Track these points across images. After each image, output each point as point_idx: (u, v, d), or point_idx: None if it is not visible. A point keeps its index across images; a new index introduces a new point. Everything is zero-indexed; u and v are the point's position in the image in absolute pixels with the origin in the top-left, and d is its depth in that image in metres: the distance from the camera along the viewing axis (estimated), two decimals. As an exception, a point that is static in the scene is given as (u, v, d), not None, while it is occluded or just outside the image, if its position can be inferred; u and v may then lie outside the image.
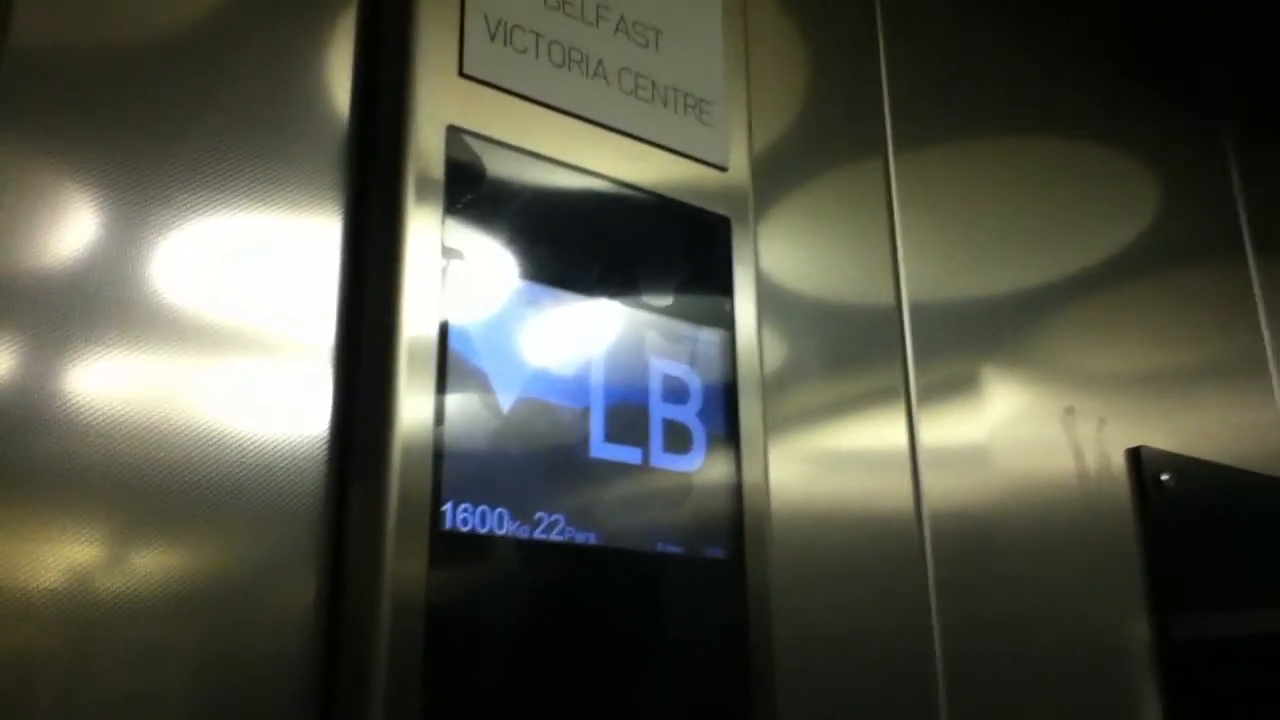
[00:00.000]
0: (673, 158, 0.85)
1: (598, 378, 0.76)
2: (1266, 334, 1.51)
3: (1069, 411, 1.21)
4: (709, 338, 0.83)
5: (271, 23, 0.72)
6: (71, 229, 0.62)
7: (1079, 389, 1.23)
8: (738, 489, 0.81)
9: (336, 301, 0.70)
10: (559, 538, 0.71)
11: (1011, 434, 1.15)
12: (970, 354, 1.14)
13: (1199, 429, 1.35)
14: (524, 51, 0.78)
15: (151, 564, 0.60)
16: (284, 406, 0.67)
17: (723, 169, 0.88)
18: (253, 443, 0.65)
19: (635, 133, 0.83)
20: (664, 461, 0.78)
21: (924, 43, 1.21)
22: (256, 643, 0.62)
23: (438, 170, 0.71)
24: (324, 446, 0.68)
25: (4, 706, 0.55)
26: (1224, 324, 1.47)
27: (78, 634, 0.57)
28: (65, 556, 0.58)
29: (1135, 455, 1.24)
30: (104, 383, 0.61)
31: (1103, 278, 1.33)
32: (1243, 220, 1.56)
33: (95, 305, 0.61)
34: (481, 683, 0.66)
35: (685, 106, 0.87)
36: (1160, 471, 1.25)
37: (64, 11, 0.64)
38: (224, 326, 0.66)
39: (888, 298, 1.08)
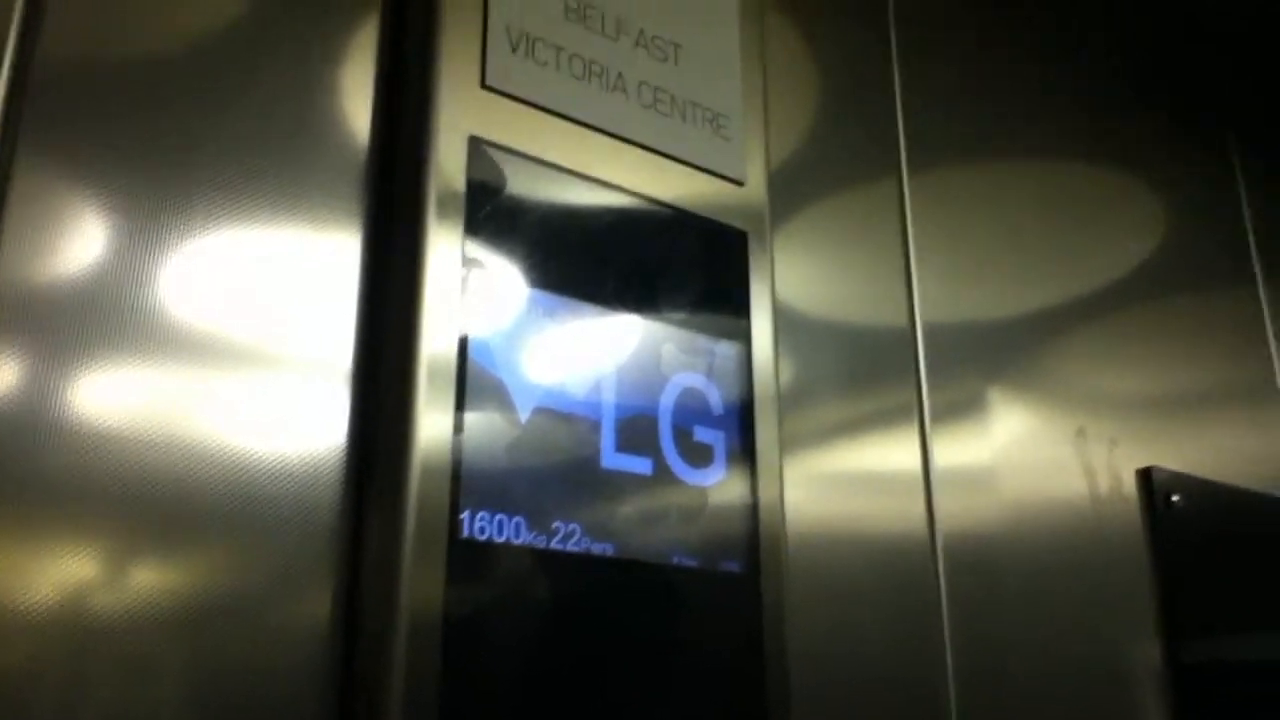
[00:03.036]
0: (690, 171, 0.85)
1: (612, 389, 0.76)
2: (1276, 356, 1.51)
3: (1080, 432, 1.21)
4: (726, 350, 0.83)
5: (294, 35, 0.72)
6: (91, 240, 0.62)
7: (1091, 410, 1.23)
8: (753, 503, 0.81)
9: (356, 310, 0.70)
10: (575, 548, 0.71)
11: (1024, 454, 1.14)
12: (983, 375, 1.14)
13: (1210, 450, 1.35)
14: (545, 64, 0.78)
15: (169, 577, 0.60)
16: (303, 417, 0.67)
17: (740, 183, 0.88)
18: (271, 454, 0.65)
19: (653, 146, 0.83)
20: (679, 474, 0.78)
21: (938, 63, 1.21)
22: (274, 655, 0.62)
23: (459, 180, 0.71)
24: (342, 457, 0.67)
25: (19, 716, 0.54)
26: (1234, 346, 1.48)
27: (90, 646, 0.57)
28: (82, 568, 0.57)
29: (1146, 476, 1.24)
30: (122, 395, 0.61)
31: (1115, 300, 1.33)
32: (1252, 244, 1.56)
33: (114, 317, 0.61)
34: (498, 692, 0.65)
35: (703, 120, 0.87)
36: (1171, 492, 1.25)
37: (88, 27, 0.64)
38: (244, 336, 0.66)
39: (901, 318, 1.08)
